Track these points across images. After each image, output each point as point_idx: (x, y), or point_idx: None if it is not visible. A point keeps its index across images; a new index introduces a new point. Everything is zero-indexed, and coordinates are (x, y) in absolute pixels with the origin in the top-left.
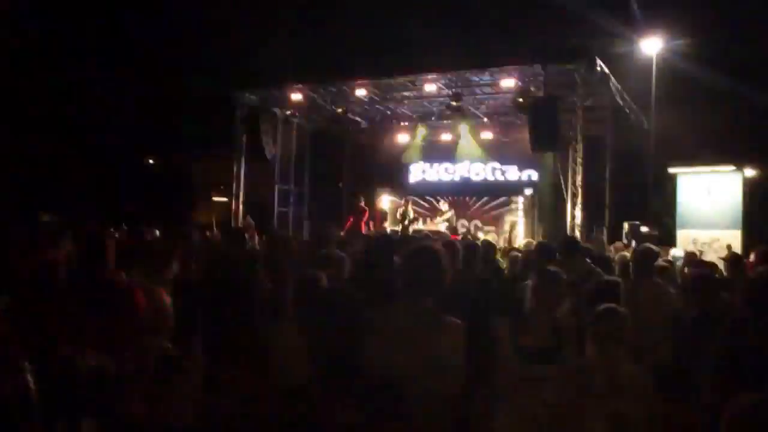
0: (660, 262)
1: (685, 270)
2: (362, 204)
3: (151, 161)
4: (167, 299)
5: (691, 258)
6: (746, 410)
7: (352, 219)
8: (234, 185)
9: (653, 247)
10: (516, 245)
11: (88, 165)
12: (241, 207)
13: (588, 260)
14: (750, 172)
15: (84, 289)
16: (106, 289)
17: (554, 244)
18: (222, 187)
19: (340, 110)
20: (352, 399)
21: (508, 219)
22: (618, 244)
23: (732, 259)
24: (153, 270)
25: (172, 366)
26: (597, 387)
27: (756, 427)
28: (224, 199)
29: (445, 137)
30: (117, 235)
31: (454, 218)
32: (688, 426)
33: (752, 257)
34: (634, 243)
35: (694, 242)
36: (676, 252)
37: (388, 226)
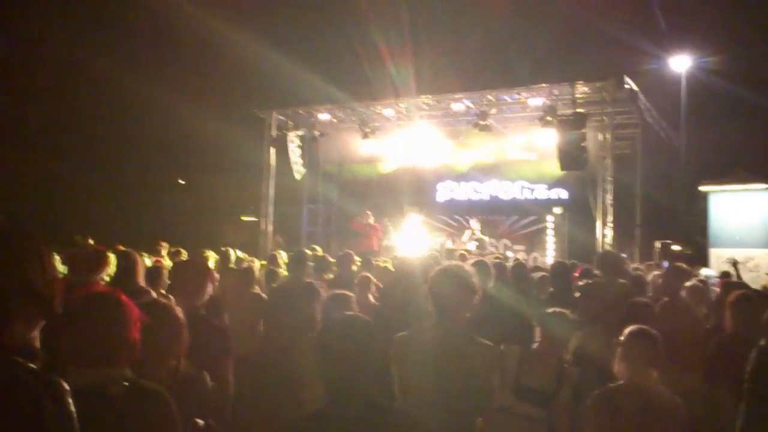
0: (693, 281)
1: (716, 289)
2: (371, 221)
3: (181, 181)
4: (181, 318)
5: (727, 278)
6: None
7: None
8: (262, 205)
9: (683, 266)
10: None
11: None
12: (270, 227)
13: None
14: None
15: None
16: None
17: (585, 263)
18: (251, 207)
19: (367, 130)
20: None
21: (538, 238)
22: (650, 263)
23: None
24: (188, 290)
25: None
26: (629, 410)
27: None
28: (253, 219)
29: (474, 156)
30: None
31: (481, 237)
32: None
33: None
34: (665, 263)
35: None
36: (708, 272)
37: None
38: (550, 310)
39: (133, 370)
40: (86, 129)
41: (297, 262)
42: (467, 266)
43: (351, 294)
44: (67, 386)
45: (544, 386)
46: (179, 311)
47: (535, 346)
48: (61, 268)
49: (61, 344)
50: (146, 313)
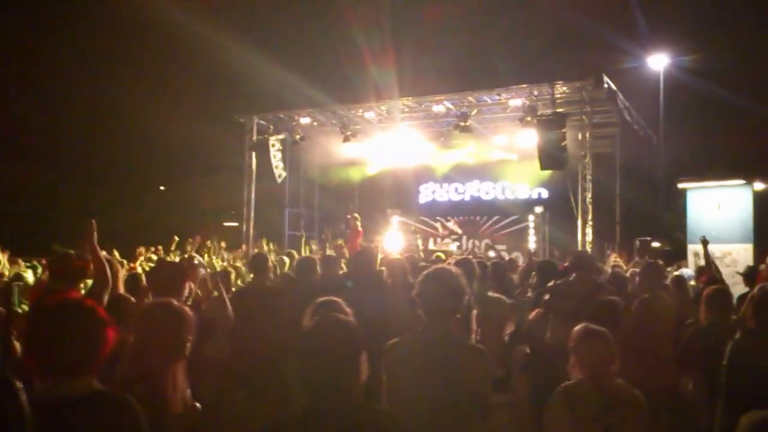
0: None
1: (693, 283)
2: (358, 225)
3: (162, 188)
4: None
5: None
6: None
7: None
8: (245, 209)
9: (659, 262)
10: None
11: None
12: (252, 231)
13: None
14: (759, 186)
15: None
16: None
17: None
18: (233, 212)
19: (348, 133)
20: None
21: (520, 238)
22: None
23: (747, 272)
24: (164, 294)
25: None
26: (589, 403)
27: None
28: (235, 224)
29: (455, 157)
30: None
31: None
32: None
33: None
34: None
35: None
36: (686, 271)
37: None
38: (489, 294)
39: (137, 370)
40: (67, 136)
41: (257, 265)
42: (454, 268)
43: (339, 300)
44: (20, 385)
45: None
46: (187, 312)
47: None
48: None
49: (27, 352)
50: (152, 314)
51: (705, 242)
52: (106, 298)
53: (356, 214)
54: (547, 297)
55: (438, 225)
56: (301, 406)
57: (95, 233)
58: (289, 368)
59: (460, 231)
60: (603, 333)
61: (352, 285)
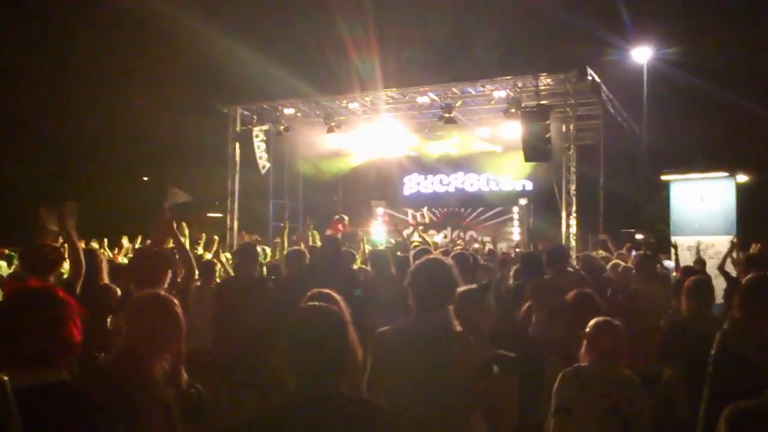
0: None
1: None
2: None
3: (145, 178)
4: (179, 312)
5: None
6: (745, 415)
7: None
8: (229, 201)
9: (650, 254)
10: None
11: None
12: (236, 222)
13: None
14: (742, 178)
15: None
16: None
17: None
18: (216, 203)
19: (333, 124)
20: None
21: (503, 229)
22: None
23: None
24: (147, 284)
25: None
26: (598, 383)
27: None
28: (219, 215)
29: (439, 149)
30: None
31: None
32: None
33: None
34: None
35: (689, 249)
36: (669, 263)
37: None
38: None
39: (131, 363)
40: (50, 126)
41: (243, 255)
42: (448, 259)
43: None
44: (5, 377)
45: None
46: (177, 303)
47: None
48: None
49: None
50: (144, 306)
51: (675, 247)
52: (79, 286)
53: (345, 216)
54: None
55: (409, 214)
56: (286, 396)
57: (74, 218)
58: (270, 359)
59: (426, 221)
60: (618, 327)
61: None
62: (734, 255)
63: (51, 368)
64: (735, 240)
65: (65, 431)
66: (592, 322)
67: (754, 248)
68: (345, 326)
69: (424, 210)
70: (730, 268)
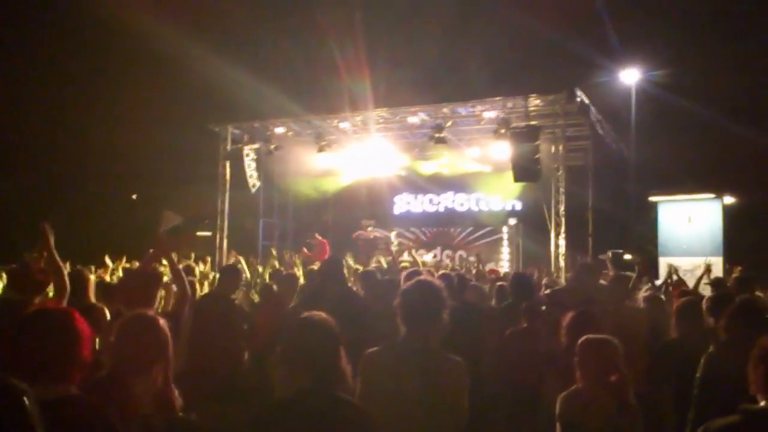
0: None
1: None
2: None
3: (134, 197)
4: (165, 330)
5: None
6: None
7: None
8: (218, 219)
9: (629, 274)
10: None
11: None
12: (225, 241)
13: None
14: (729, 200)
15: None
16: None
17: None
18: (206, 221)
19: (323, 144)
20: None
21: (492, 249)
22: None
23: (716, 283)
24: (136, 304)
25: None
26: (600, 407)
27: None
28: (208, 233)
29: (429, 168)
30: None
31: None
32: None
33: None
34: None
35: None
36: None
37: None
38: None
39: (114, 382)
40: (39, 143)
41: (223, 275)
42: (437, 280)
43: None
44: (25, 387)
45: None
46: (165, 323)
47: None
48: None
49: (4, 358)
50: (131, 326)
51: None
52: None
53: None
54: (543, 307)
55: (413, 236)
56: (280, 398)
57: (51, 237)
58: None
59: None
60: (610, 341)
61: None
62: (706, 279)
63: (61, 384)
64: (708, 262)
65: None
66: (581, 341)
67: (736, 272)
68: (337, 334)
69: (392, 235)
70: (706, 290)
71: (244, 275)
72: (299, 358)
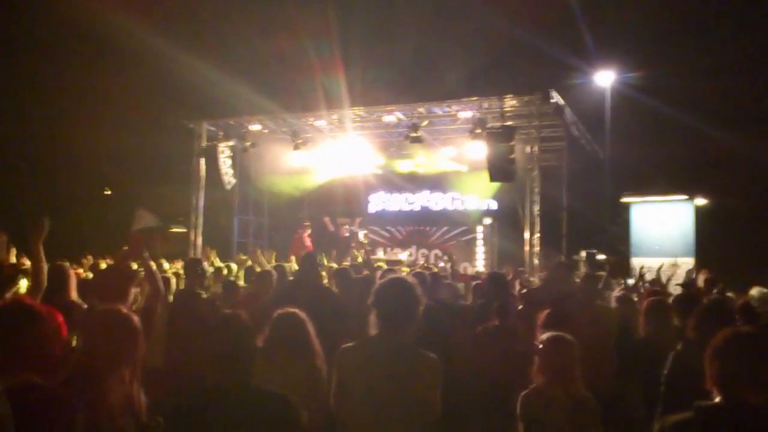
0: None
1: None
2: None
3: (107, 192)
4: (137, 326)
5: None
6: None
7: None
8: (193, 216)
9: (601, 274)
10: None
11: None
12: (200, 238)
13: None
14: (701, 201)
15: None
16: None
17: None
18: (181, 218)
19: (299, 141)
20: None
21: (467, 249)
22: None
23: (687, 283)
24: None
25: None
26: (561, 405)
27: None
28: (183, 230)
29: (405, 167)
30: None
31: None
32: None
33: (701, 282)
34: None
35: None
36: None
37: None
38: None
39: (83, 375)
40: (10, 140)
41: (188, 270)
42: (411, 278)
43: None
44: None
45: None
46: (136, 319)
47: None
48: None
49: None
50: (101, 321)
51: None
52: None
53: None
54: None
55: (388, 235)
56: (200, 386)
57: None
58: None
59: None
60: (569, 340)
61: None
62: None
63: (24, 373)
64: (677, 263)
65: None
66: (543, 338)
67: (704, 273)
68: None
69: (361, 234)
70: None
71: (222, 270)
72: (217, 351)
